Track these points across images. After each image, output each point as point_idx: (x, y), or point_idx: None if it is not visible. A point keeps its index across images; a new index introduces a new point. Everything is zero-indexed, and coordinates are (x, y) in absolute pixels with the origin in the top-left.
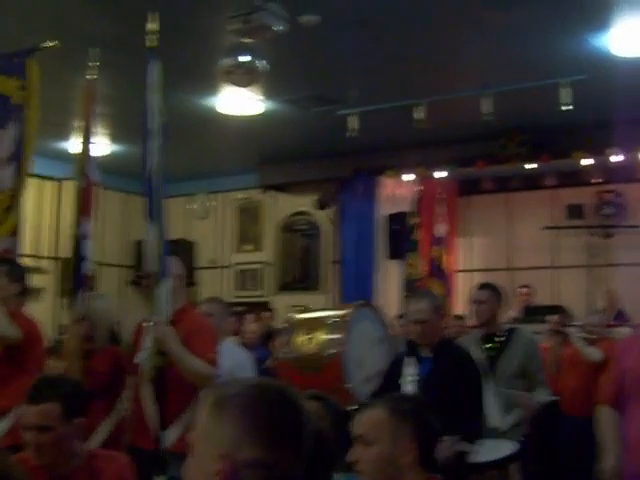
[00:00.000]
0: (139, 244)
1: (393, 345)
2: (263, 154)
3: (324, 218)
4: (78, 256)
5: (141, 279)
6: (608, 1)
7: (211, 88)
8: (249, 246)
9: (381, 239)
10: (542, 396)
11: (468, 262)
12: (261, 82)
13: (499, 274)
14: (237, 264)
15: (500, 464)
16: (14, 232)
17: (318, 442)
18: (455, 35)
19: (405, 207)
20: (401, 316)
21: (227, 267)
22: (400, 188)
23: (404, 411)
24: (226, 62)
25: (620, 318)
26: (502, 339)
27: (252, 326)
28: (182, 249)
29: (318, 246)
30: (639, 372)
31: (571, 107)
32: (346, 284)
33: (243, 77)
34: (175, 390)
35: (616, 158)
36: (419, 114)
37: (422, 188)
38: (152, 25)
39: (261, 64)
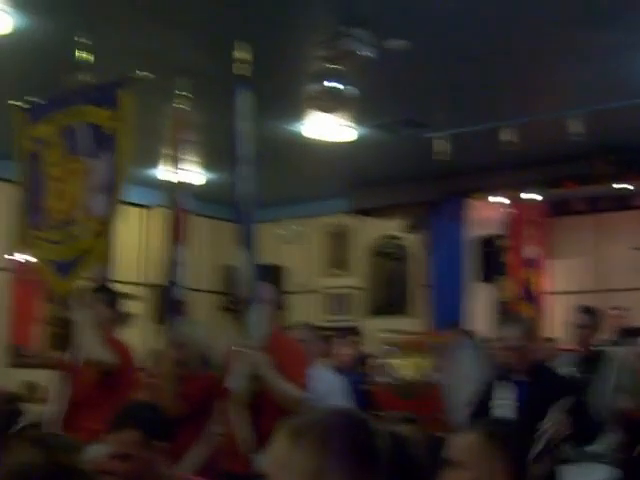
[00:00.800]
0: (229, 269)
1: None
2: (352, 179)
3: (413, 242)
4: (171, 282)
5: (233, 304)
6: None
7: (301, 114)
8: (338, 270)
9: (471, 262)
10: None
11: (559, 284)
12: (351, 107)
13: (590, 296)
14: (326, 288)
15: None
16: (106, 259)
17: (410, 464)
18: (542, 56)
19: (494, 230)
20: (490, 341)
21: (316, 292)
22: (489, 210)
23: (501, 436)
24: (312, 88)
25: None
26: (597, 361)
27: (346, 349)
28: (272, 274)
29: (407, 270)
30: None
31: None
32: (436, 308)
33: (329, 103)
34: (268, 414)
35: None
36: (507, 136)
37: (512, 210)
38: (242, 54)
39: (348, 90)
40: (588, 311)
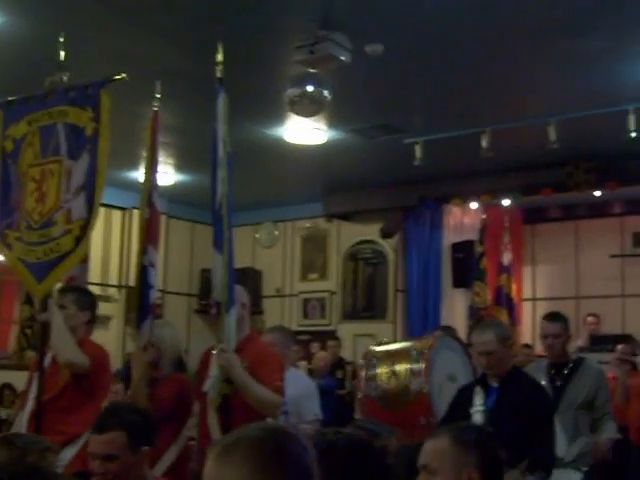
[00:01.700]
0: (205, 272)
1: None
2: (329, 183)
3: (389, 247)
4: (144, 284)
5: (208, 307)
6: None
7: (277, 118)
8: (314, 275)
9: (446, 267)
10: (610, 433)
11: (534, 290)
12: (327, 111)
13: (566, 303)
14: (302, 293)
15: None
16: (83, 260)
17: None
18: (520, 64)
19: (471, 235)
20: (468, 345)
21: (293, 296)
22: (466, 216)
23: (467, 441)
24: (291, 92)
25: None
26: (569, 369)
27: (321, 354)
28: (248, 278)
29: (383, 275)
30: None
31: (638, 134)
32: (411, 312)
33: (307, 107)
34: (241, 417)
35: None
36: (484, 142)
37: (487, 216)
38: (220, 57)
39: (325, 94)
40: (556, 319)
